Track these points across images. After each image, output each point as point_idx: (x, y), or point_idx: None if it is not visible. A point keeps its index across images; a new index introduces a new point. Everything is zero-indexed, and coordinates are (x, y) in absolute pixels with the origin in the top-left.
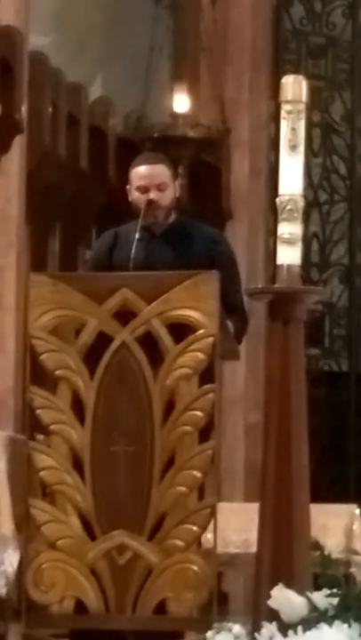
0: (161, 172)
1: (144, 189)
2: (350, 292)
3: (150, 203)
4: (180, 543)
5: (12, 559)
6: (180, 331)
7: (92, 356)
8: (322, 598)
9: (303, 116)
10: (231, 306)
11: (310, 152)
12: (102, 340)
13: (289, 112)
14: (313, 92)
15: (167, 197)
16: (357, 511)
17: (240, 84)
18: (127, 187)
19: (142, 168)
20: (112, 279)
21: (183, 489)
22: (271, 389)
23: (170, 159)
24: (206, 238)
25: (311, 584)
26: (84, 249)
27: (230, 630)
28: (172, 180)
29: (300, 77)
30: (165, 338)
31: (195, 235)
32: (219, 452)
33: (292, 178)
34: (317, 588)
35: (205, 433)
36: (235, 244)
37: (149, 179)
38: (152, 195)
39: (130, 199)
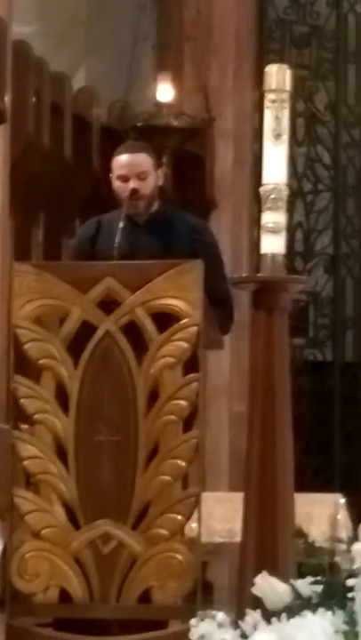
0: (142, 160)
1: (125, 178)
2: (335, 282)
3: (134, 192)
4: (164, 532)
5: None
6: (165, 320)
7: (76, 346)
8: (306, 586)
9: (287, 105)
10: (216, 295)
11: (294, 141)
12: (86, 329)
13: (273, 101)
14: (297, 81)
15: (148, 186)
16: (342, 500)
17: (224, 74)
18: (110, 175)
19: (123, 157)
20: (96, 268)
21: (167, 478)
22: (255, 379)
23: (154, 148)
24: (190, 228)
25: (295, 572)
26: (68, 238)
27: (214, 618)
28: (153, 168)
29: (285, 66)
30: (149, 327)
31: (178, 224)
32: (203, 442)
33: (276, 167)
34: (301, 576)
35: (190, 422)
36: (219, 233)
37: (130, 167)
38: (132, 184)
39: (113, 187)
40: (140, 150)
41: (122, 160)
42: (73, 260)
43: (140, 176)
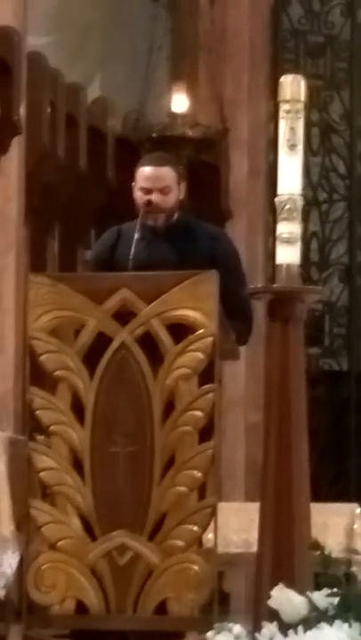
0: (166, 174)
1: (147, 191)
2: (350, 291)
3: (149, 204)
4: (180, 543)
5: (11, 560)
6: (180, 331)
7: (91, 357)
8: (322, 598)
9: (302, 115)
10: (235, 304)
11: (309, 151)
12: (102, 340)
13: (288, 111)
14: (312, 91)
15: (170, 201)
16: (358, 510)
17: (239, 84)
18: (133, 183)
19: (147, 169)
20: (111, 279)
21: (183, 489)
22: (271, 389)
23: None
24: (209, 237)
25: (312, 584)
26: (83, 249)
27: (231, 630)
28: (176, 182)
29: (299, 77)
30: (165, 338)
31: (197, 233)
32: (219, 452)
33: (290, 177)
34: (318, 587)
35: (205, 433)
36: (234, 243)
37: (153, 181)
38: (154, 197)
39: (134, 196)
40: (164, 164)
41: (146, 172)
42: (93, 268)
43: (163, 190)
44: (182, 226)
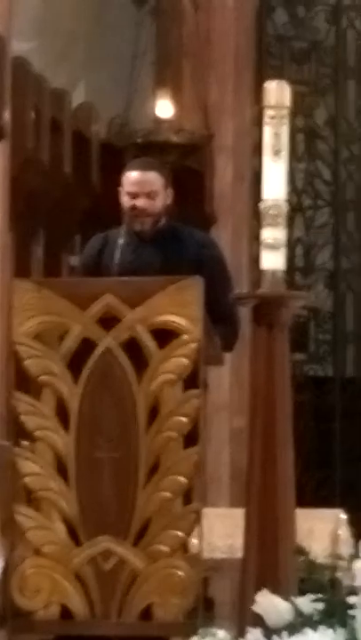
0: (152, 179)
1: (133, 195)
2: (335, 297)
3: (133, 208)
4: (165, 549)
5: None
6: (165, 336)
7: (76, 362)
8: (307, 603)
9: (286, 121)
10: (221, 310)
11: (294, 157)
12: (86, 345)
13: (272, 117)
14: (296, 97)
15: (156, 205)
16: (343, 516)
17: (223, 90)
18: (119, 188)
19: (134, 174)
20: (96, 285)
21: (168, 494)
22: (256, 395)
23: None
24: (196, 243)
25: (297, 589)
26: (68, 255)
27: (215, 635)
28: (163, 187)
29: (284, 82)
30: (149, 343)
31: (184, 239)
32: (204, 458)
33: (275, 183)
34: (303, 592)
35: (190, 438)
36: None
37: (139, 185)
38: (140, 202)
39: (120, 201)
40: (151, 168)
41: (132, 177)
42: (81, 274)
43: (149, 195)
44: (169, 231)
